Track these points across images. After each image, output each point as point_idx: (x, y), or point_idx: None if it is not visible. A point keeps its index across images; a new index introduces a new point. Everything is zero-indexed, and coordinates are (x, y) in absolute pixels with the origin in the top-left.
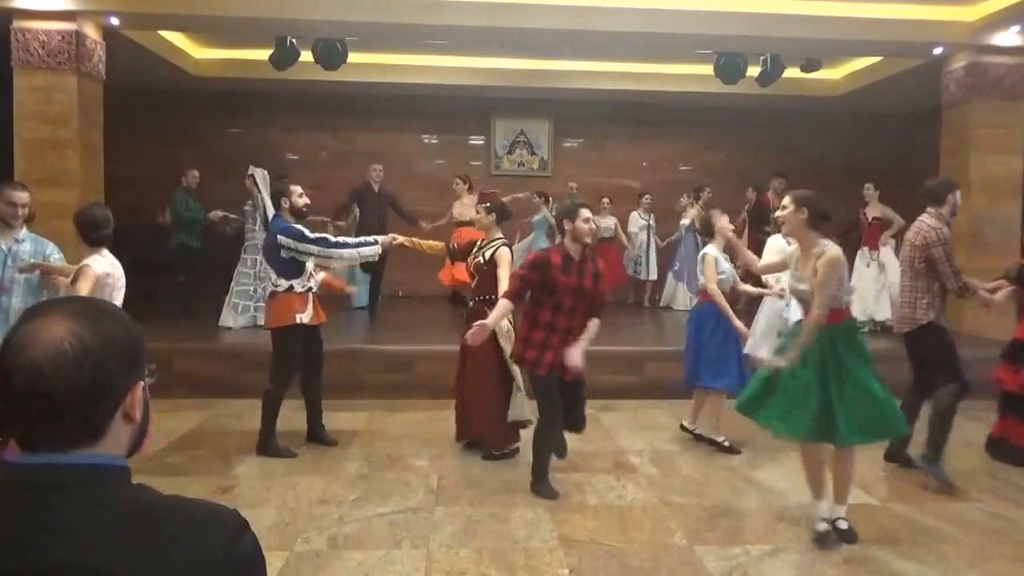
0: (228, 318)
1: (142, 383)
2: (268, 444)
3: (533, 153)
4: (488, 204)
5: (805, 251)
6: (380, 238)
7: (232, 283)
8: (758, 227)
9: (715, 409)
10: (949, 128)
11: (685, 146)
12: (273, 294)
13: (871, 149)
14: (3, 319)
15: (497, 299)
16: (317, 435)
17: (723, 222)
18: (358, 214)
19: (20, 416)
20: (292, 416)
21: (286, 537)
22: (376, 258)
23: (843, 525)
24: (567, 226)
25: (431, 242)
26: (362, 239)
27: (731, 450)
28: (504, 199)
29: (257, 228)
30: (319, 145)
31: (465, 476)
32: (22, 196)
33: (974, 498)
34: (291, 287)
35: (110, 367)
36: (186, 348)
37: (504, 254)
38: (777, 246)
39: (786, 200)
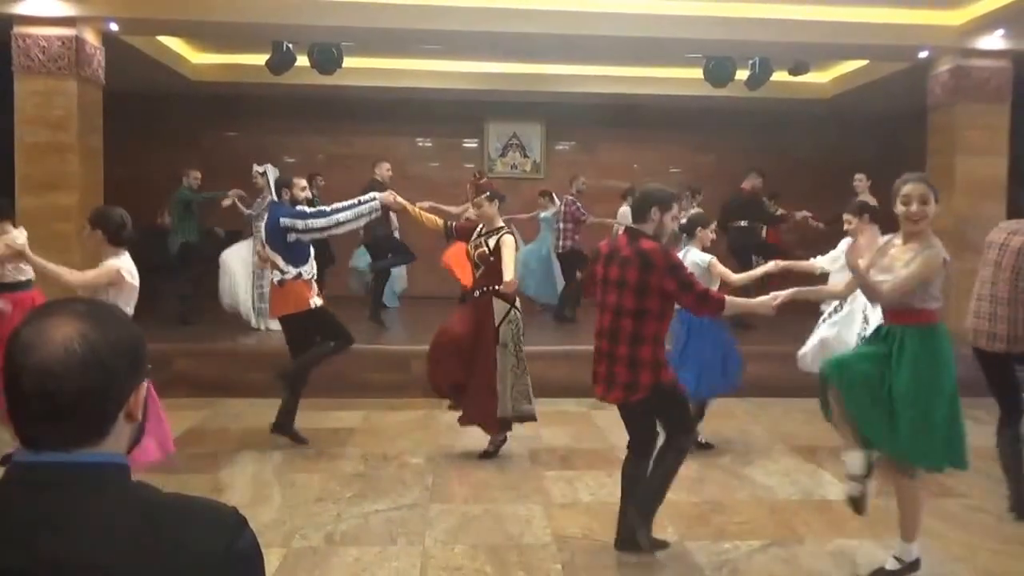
0: (260, 321)
1: (145, 384)
2: (285, 424)
3: (526, 156)
4: (490, 192)
5: (909, 243)
6: (378, 195)
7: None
8: (735, 220)
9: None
10: (935, 130)
11: (675, 148)
12: (282, 282)
13: (858, 150)
14: None
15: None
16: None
17: (706, 235)
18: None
19: (26, 415)
20: (298, 415)
21: (284, 534)
22: (379, 213)
23: (889, 565)
24: (655, 216)
25: (431, 216)
26: (357, 199)
27: (707, 446)
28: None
29: None
30: (316, 148)
31: (460, 473)
32: None
33: (961, 494)
34: (300, 274)
35: (116, 368)
36: (186, 348)
37: (509, 240)
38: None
39: (918, 190)
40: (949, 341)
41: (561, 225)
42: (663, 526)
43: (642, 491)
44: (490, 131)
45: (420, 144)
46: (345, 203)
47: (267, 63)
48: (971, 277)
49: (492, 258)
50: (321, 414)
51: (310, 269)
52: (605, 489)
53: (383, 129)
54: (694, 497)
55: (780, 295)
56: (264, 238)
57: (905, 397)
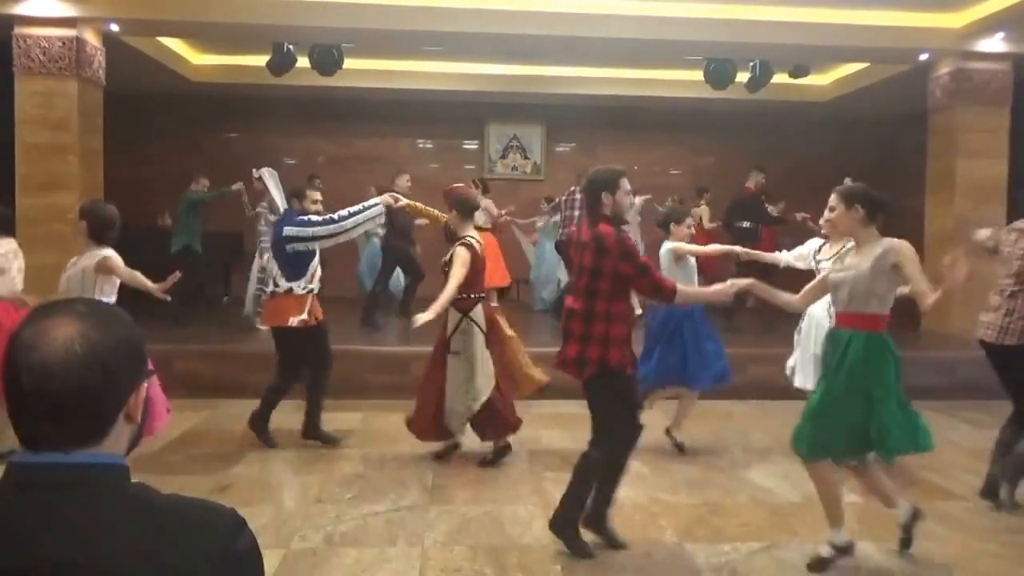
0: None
1: (145, 384)
2: (259, 425)
3: (526, 157)
4: (452, 201)
5: (861, 249)
6: (378, 198)
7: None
8: (738, 220)
9: (691, 407)
10: (935, 133)
11: (676, 150)
12: (273, 294)
13: (858, 153)
14: None
15: (477, 297)
16: (315, 433)
17: (680, 231)
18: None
19: (27, 415)
20: (288, 416)
21: (283, 535)
22: (383, 218)
23: (824, 552)
24: (606, 199)
25: (439, 213)
26: (362, 204)
27: (682, 449)
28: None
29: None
30: (316, 149)
31: (459, 475)
32: None
33: (960, 496)
34: (290, 289)
35: (117, 368)
36: (186, 348)
37: (461, 252)
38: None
39: (831, 199)
40: (894, 351)
41: (564, 215)
42: (662, 528)
43: (564, 497)
44: (490, 133)
45: (420, 145)
46: (352, 208)
47: (268, 64)
48: (972, 280)
49: (447, 270)
50: (320, 415)
51: (305, 284)
52: None
53: (384, 130)
54: (693, 499)
55: (737, 283)
56: (271, 246)
57: (842, 397)
